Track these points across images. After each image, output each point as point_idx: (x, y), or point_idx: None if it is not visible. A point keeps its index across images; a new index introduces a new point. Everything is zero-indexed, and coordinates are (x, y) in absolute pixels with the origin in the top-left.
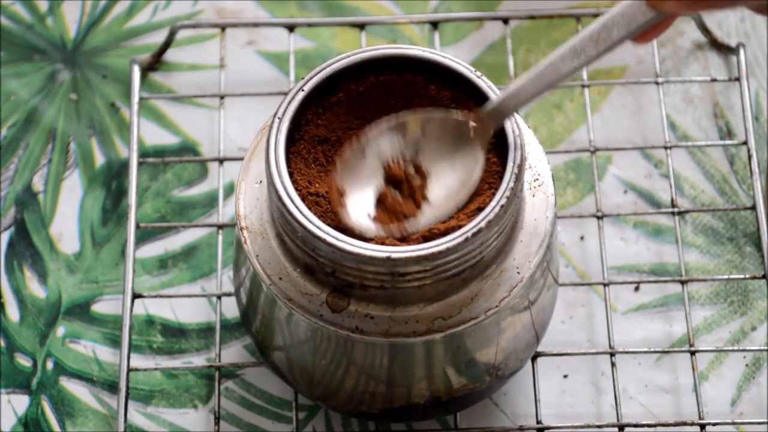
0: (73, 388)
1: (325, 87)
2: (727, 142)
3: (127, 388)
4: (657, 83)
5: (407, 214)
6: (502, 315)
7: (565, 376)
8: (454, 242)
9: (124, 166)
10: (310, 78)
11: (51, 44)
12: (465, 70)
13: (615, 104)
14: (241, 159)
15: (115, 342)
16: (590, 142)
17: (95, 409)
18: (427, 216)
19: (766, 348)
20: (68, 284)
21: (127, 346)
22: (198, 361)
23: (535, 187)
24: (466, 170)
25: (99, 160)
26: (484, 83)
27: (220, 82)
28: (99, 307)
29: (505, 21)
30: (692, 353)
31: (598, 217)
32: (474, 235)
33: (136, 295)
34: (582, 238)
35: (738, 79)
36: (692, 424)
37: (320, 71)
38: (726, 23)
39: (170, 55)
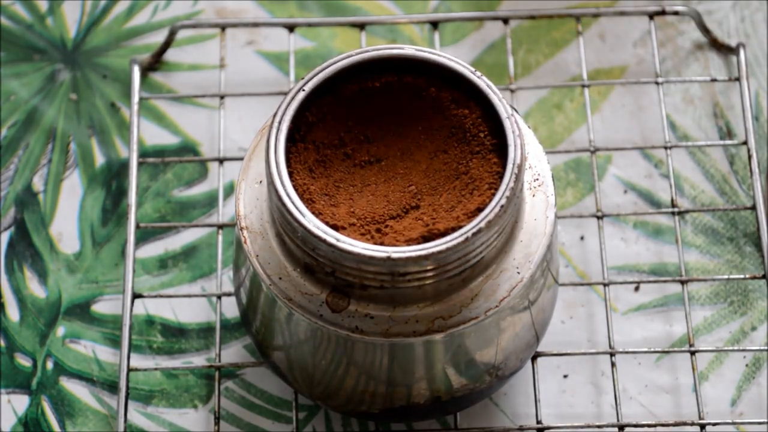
0: (73, 388)
1: (326, 87)
2: (727, 142)
3: (127, 388)
4: (657, 83)
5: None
6: (502, 315)
7: (565, 376)
8: (454, 242)
9: (124, 166)
10: (310, 78)
11: (51, 44)
12: (465, 70)
13: (615, 104)
14: (241, 159)
15: (115, 342)
16: (590, 142)
17: (95, 409)
18: None
19: (766, 348)
20: (68, 284)
21: (127, 346)
22: (198, 361)
23: (535, 187)
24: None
25: (99, 160)
26: (484, 83)
27: (220, 82)
28: (99, 307)
29: (505, 21)
30: (692, 353)
31: (598, 217)
32: (474, 235)
33: (136, 295)
34: (582, 238)
35: (738, 79)
36: (692, 424)
37: (320, 71)
38: (726, 23)
39: (170, 55)
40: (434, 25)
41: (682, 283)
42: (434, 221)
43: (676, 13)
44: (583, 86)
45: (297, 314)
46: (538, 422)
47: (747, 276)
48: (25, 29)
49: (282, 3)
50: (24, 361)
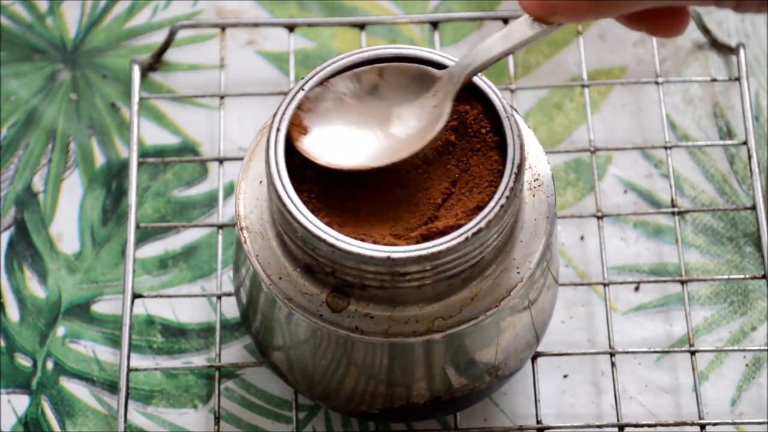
0: (73, 388)
1: None
2: (727, 142)
3: (127, 388)
4: (657, 83)
5: None
6: (502, 315)
7: (565, 376)
8: (454, 242)
9: (124, 166)
10: (310, 78)
11: (51, 44)
12: None
13: (615, 104)
14: (241, 159)
15: (115, 342)
16: (590, 142)
17: (95, 409)
18: (386, 148)
19: (766, 348)
20: (68, 284)
21: (127, 346)
22: (198, 361)
23: (535, 187)
24: (429, 119)
25: (99, 160)
26: (483, 83)
27: (220, 82)
28: (99, 307)
29: (505, 21)
30: (692, 353)
31: (598, 217)
32: (474, 235)
33: (136, 295)
34: (582, 238)
35: (738, 79)
36: (692, 424)
37: (320, 71)
38: (726, 23)
39: (170, 55)
40: (434, 25)
41: (682, 283)
42: (433, 219)
43: None
44: (583, 86)
45: (297, 314)
46: (538, 422)
47: (747, 276)
48: (25, 29)
49: (282, 3)
50: (24, 361)
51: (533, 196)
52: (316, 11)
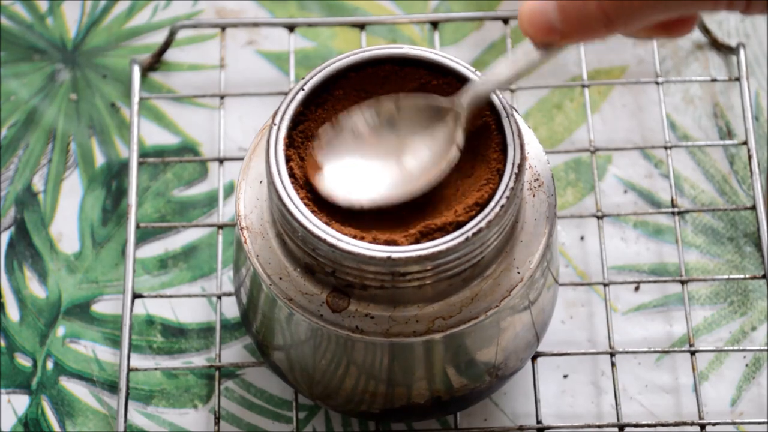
0: (73, 388)
1: (325, 87)
2: (727, 142)
3: (127, 388)
4: (657, 83)
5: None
6: (502, 315)
7: (565, 376)
8: (455, 242)
9: (124, 166)
10: (310, 78)
11: (51, 44)
12: (464, 69)
13: (615, 104)
14: (241, 159)
15: (115, 342)
16: (590, 142)
17: (95, 409)
18: (400, 182)
19: (766, 348)
20: (68, 284)
21: (127, 346)
22: (198, 361)
23: (535, 187)
24: (442, 148)
25: (99, 160)
26: None
27: (220, 82)
28: (99, 307)
29: (505, 21)
30: (692, 353)
31: (598, 217)
32: (474, 235)
33: (136, 295)
34: (582, 238)
35: (738, 79)
36: (692, 424)
37: (320, 71)
38: (726, 23)
39: (170, 55)
40: (434, 25)
41: (682, 283)
42: (432, 216)
43: None
44: (583, 86)
45: (297, 314)
46: (538, 422)
47: (747, 276)
48: (25, 29)
49: (282, 3)
50: (24, 361)
51: (533, 196)
52: (316, 11)
